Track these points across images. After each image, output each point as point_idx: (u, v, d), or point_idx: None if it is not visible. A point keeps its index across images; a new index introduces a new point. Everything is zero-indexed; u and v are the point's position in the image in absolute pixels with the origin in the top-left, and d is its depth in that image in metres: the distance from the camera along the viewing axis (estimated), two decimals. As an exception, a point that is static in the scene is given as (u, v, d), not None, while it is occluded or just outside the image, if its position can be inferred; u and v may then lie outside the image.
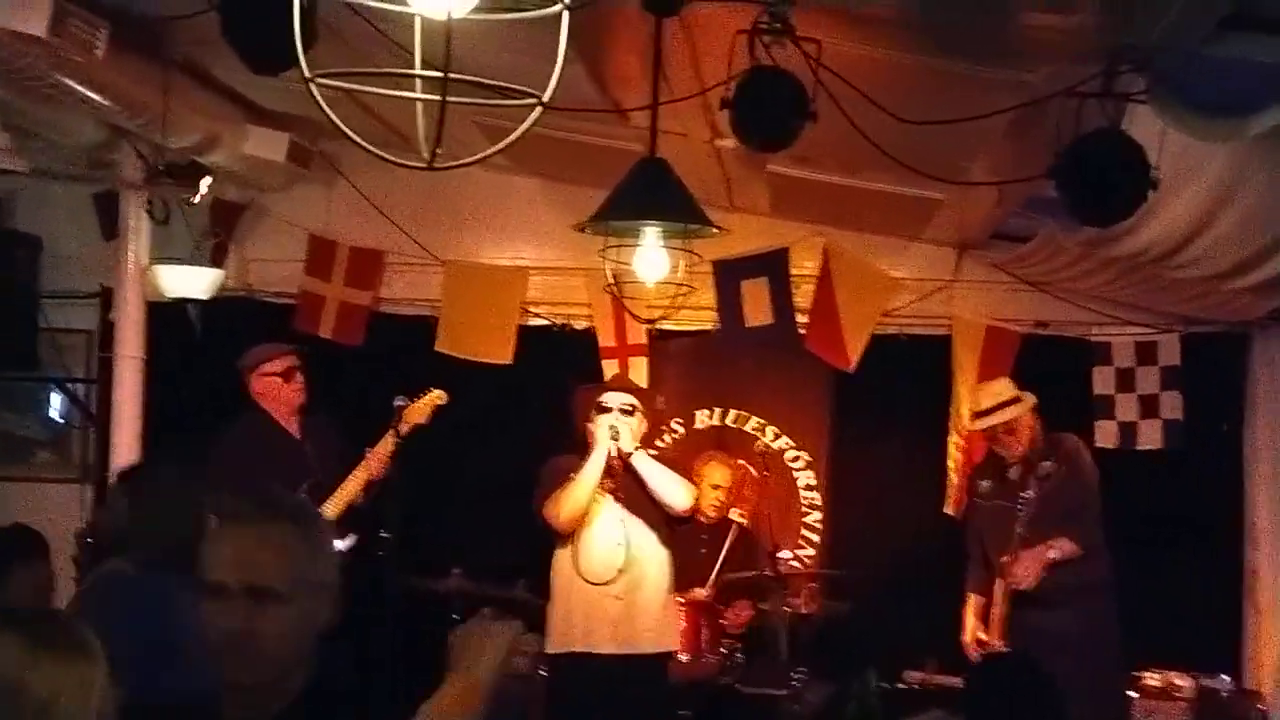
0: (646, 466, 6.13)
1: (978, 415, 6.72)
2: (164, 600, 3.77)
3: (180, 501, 4.01)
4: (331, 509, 6.36)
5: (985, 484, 6.78)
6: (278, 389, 6.60)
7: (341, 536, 6.36)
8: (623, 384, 6.65)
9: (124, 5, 5.26)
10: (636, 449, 6.13)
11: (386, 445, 6.31)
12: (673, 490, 6.15)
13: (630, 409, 6.16)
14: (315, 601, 2.32)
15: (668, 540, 6.20)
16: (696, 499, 6.38)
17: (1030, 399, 6.62)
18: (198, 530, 3.91)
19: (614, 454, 6.04)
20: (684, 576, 6.81)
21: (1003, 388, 6.68)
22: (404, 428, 6.27)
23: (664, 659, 6.23)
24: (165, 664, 3.61)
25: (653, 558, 6.13)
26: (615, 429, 6.04)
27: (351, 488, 6.36)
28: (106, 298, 7.47)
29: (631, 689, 6.03)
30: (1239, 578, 7.28)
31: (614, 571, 5.97)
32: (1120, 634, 6.48)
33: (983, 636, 6.62)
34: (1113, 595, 6.49)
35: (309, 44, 3.74)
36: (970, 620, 6.73)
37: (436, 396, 6.42)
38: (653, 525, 6.13)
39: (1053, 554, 6.31)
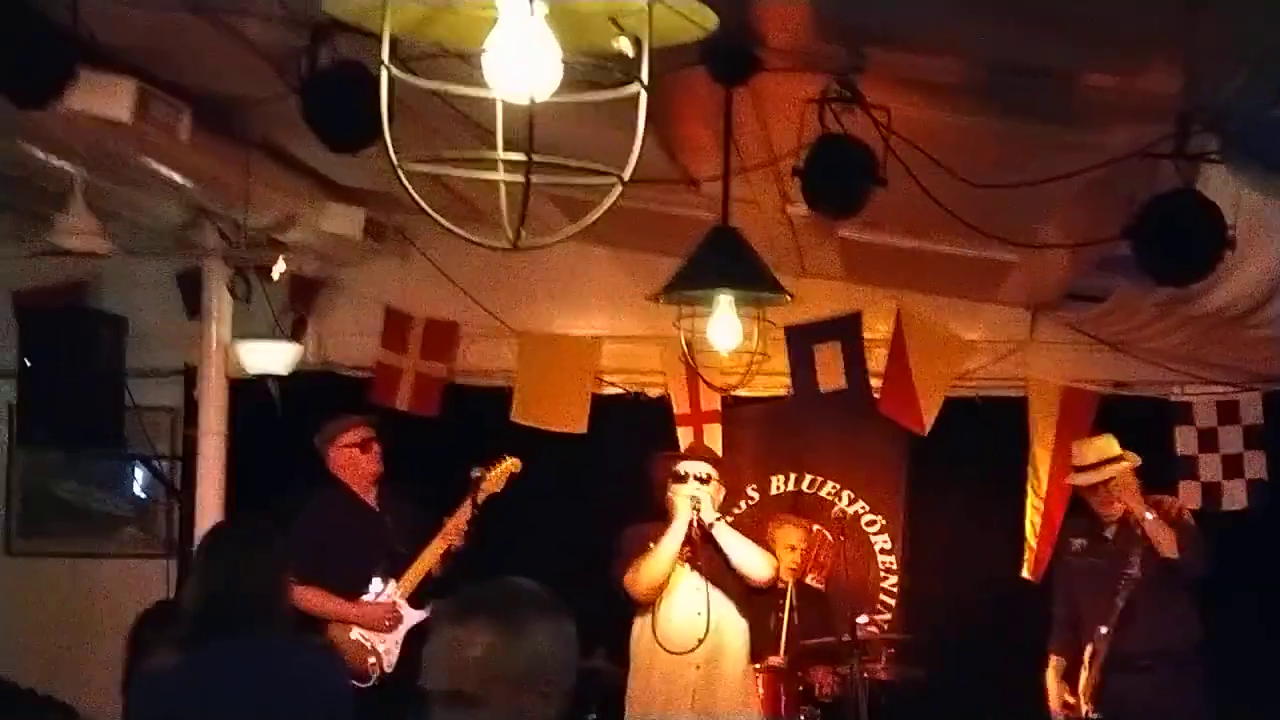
0: (727, 537, 6.14)
1: (1079, 470, 6.58)
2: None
3: (251, 563, 4.00)
4: (409, 580, 6.42)
5: (1079, 543, 6.66)
6: (355, 460, 6.64)
7: (419, 607, 6.42)
8: (700, 452, 6.67)
9: (205, 88, 5.40)
10: (717, 519, 6.14)
11: (464, 515, 6.35)
12: (753, 560, 6.15)
13: (707, 477, 6.18)
14: (522, 697, 2.27)
15: (746, 610, 6.19)
16: (776, 568, 6.37)
17: (1134, 458, 6.52)
18: (273, 591, 3.96)
19: (695, 524, 6.05)
20: (759, 642, 6.79)
21: (1106, 444, 6.56)
22: (480, 496, 6.32)
23: None
24: None
25: (732, 627, 6.12)
26: (696, 499, 6.05)
27: (429, 559, 6.41)
28: (190, 375, 7.60)
29: None
30: (1329, 640, 7.13)
31: (694, 641, 5.96)
32: (1210, 702, 6.36)
33: (1070, 700, 6.52)
34: (1202, 662, 6.37)
35: (390, 126, 3.84)
36: (1054, 684, 6.63)
37: (511, 465, 6.48)
38: (731, 595, 6.12)
39: (1165, 548, 6.25)
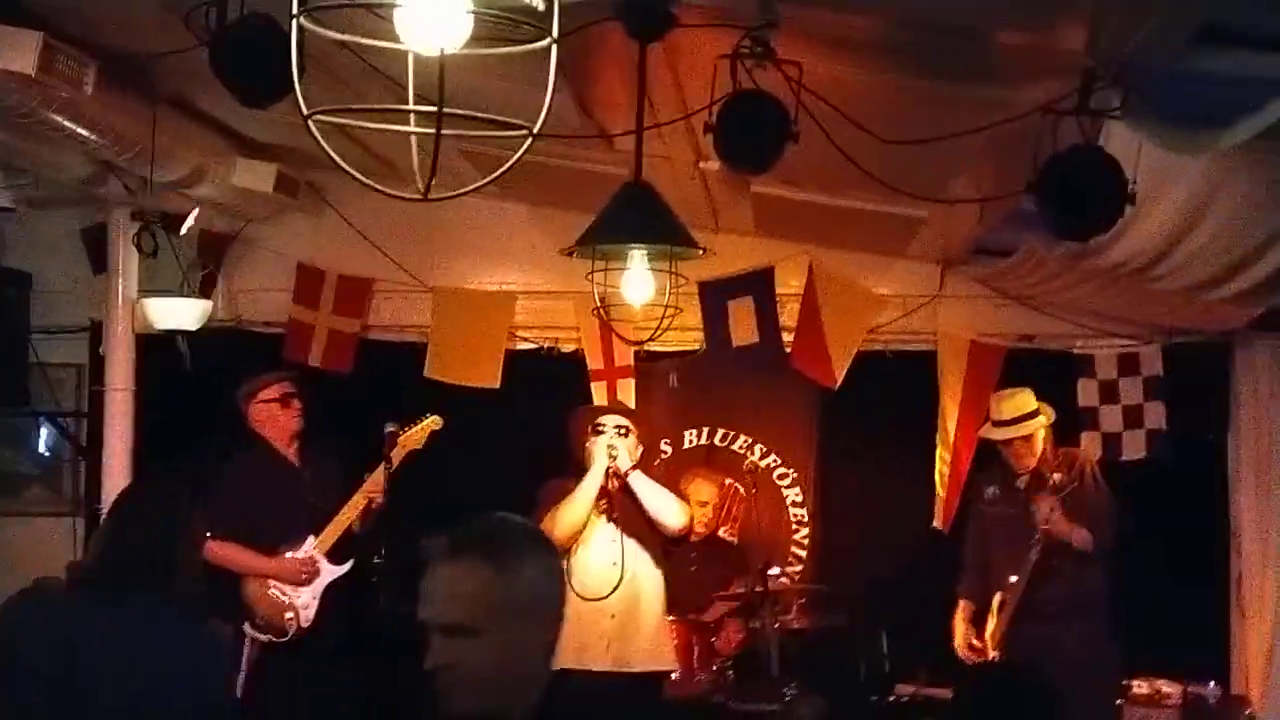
0: (643, 486, 6.19)
1: (998, 424, 6.70)
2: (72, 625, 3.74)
3: (156, 521, 3.99)
4: (328, 536, 6.41)
5: (991, 490, 6.80)
6: (275, 415, 6.62)
7: (339, 563, 6.42)
8: (618, 406, 6.71)
9: (112, 42, 5.31)
10: (633, 469, 6.18)
11: (381, 472, 6.35)
12: (668, 510, 6.21)
13: (625, 430, 6.23)
14: (516, 629, 2.38)
15: (662, 561, 6.25)
16: (691, 518, 6.43)
17: (1050, 412, 6.67)
18: (172, 553, 3.94)
19: (611, 472, 6.10)
20: (674, 595, 6.86)
21: (1025, 399, 6.68)
22: (399, 454, 6.32)
23: (658, 678, 6.27)
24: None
25: (648, 577, 6.18)
26: (613, 447, 6.10)
27: (348, 514, 6.40)
28: (96, 331, 7.50)
29: (624, 707, 6.05)
30: (1225, 585, 7.35)
31: (609, 589, 6.01)
32: (1117, 648, 6.54)
33: (976, 643, 6.66)
34: (1109, 610, 6.53)
35: (300, 78, 3.80)
36: (961, 626, 6.76)
37: (432, 422, 6.47)
38: (648, 545, 6.18)
39: (1076, 542, 6.39)
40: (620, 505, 6.15)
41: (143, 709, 3.62)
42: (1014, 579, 6.48)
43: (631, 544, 6.11)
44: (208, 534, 6.22)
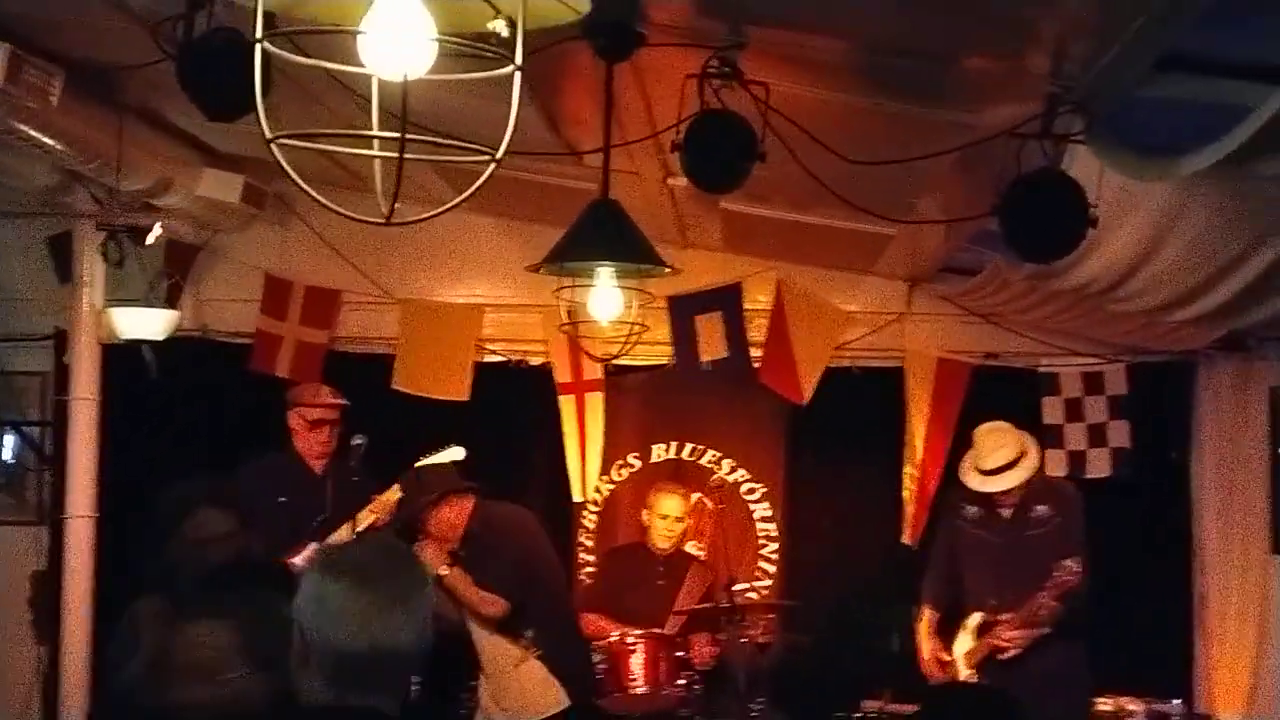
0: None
1: (982, 473, 6.51)
2: None
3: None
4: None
5: (972, 510, 6.69)
6: (303, 433, 6.82)
7: None
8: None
9: (79, 53, 5.29)
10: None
11: (394, 493, 6.34)
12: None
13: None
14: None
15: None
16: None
17: (1034, 458, 6.52)
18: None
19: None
20: (642, 610, 6.87)
21: (1009, 445, 6.46)
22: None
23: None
24: None
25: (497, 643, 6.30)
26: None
27: (349, 529, 6.38)
28: (61, 340, 7.47)
29: None
30: (1189, 603, 7.39)
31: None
32: (1089, 668, 6.54)
33: (944, 656, 6.66)
34: (1085, 625, 6.49)
35: (265, 93, 3.79)
36: (927, 640, 6.75)
37: (454, 453, 6.45)
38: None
39: (1046, 629, 6.31)
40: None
41: None
42: (1006, 616, 6.38)
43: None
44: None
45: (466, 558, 6.15)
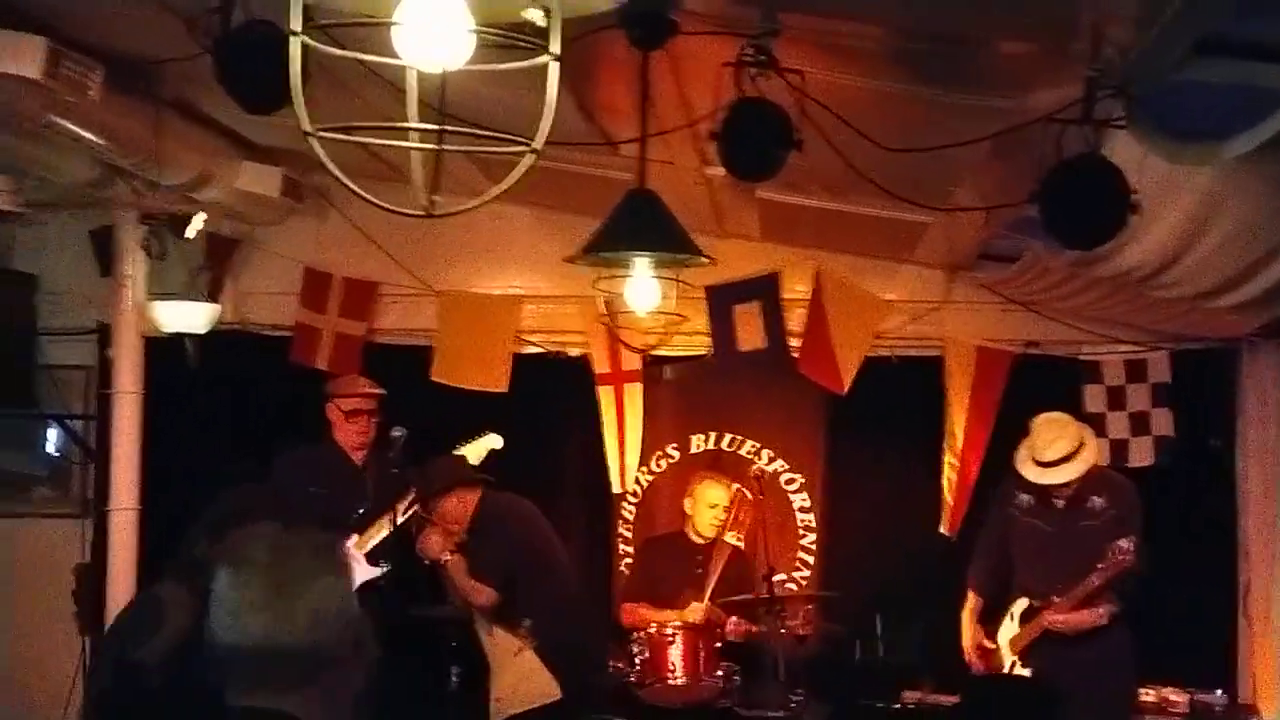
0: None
1: (1040, 465, 6.43)
2: None
3: None
4: (368, 537, 6.41)
5: (1026, 499, 6.62)
6: (340, 424, 6.84)
7: (376, 564, 6.44)
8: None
9: (118, 47, 5.32)
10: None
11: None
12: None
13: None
14: None
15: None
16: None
17: (1093, 450, 6.47)
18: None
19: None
20: (681, 600, 6.87)
21: (1069, 438, 6.39)
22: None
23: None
24: None
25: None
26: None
27: (389, 519, 6.40)
28: (104, 334, 7.53)
29: None
30: (1232, 592, 7.32)
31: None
32: (1133, 657, 6.48)
33: (988, 644, 6.62)
34: (1132, 614, 6.42)
35: (301, 94, 3.81)
36: (970, 626, 6.71)
37: (491, 441, 6.46)
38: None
39: (1101, 620, 6.27)
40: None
41: None
42: (1057, 599, 6.33)
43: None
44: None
45: (467, 547, 6.18)
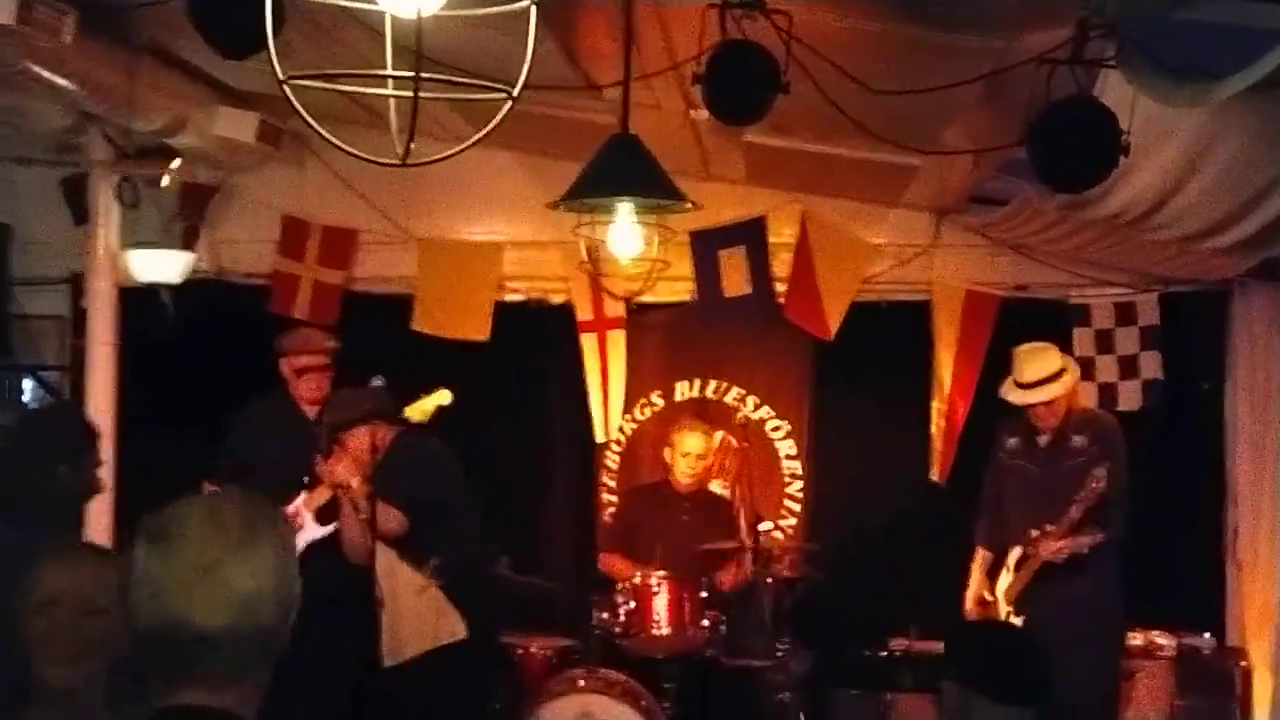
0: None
1: (1020, 386, 6.45)
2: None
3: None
4: (319, 495, 6.36)
5: (1012, 441, 6.62)
6: (292, 380, 6.71)
7: (326, 524, 6.39)
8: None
9: (90, -10, 5.21)
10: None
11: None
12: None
13: None
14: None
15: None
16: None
17: (1075, 375, 6.50)
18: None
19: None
20: (665, 548, 6.83)
21: (1048, 360, 6.43)
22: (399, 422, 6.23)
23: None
24: None
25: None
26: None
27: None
28: (78, 283, 7.42)
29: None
30: (1221, 536, 7.31)
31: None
32: (1121, 599, 6.46)
33: (988, 596, 6.59)
34: (1120, 556, 6.41)
35: (277, 32, 3.71)
36: (977, 576, 6.67)
37: (440, 397, 6.35)
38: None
39: (1085, 549, 6.24)
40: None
41: None
42: (1035, 533, 6.32)
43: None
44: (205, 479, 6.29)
45: (378, 479, 6.02)
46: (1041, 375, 6.41)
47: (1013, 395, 6.52)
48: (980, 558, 6.72)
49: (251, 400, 6.79)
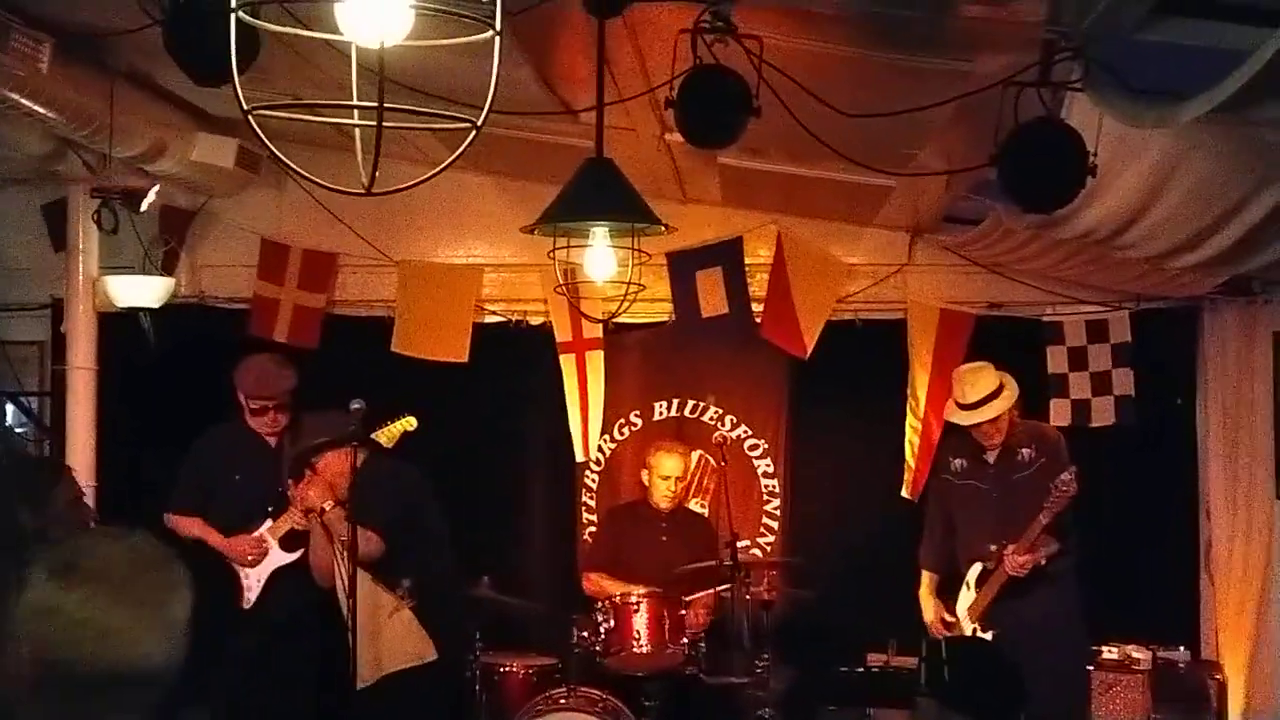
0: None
1: (964, 408, 6.55)
2: None
3: None
4: (284, 521, 6.41)
5: (958, 463, 6.72)
6: (246, 413, 6.68)
7: (292, 550, 6.43)
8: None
9: (68, 18, 5.24)
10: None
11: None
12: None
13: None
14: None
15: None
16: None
17: (1014, 390, 6.56)
18: None
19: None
20: (645, 568, 6.86)
21: (987, 379, 6.53)
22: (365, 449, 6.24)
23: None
24: None
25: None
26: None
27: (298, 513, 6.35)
28: (57, 309, 7.44)
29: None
30: (1194, 550, 7.37)
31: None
32: (1083, 610, 6.52)
33: (948, 617, 6.64)
34: (1076, 575, 6.48)
35: (251, 58, 3.74)
36: (929, 600, 6.73)
37: (405, 423, 6.36)
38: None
39: (1041, 560, 6.29)
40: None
41: None
42: (994, 547, 6.37)
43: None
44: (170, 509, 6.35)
45: (351, 502, 6.02)
46: (983, 394, 6.51)
47: (957, 417, 6.62)
48: (928, 581, 6.78)
49: (208, 428, 6.76)
